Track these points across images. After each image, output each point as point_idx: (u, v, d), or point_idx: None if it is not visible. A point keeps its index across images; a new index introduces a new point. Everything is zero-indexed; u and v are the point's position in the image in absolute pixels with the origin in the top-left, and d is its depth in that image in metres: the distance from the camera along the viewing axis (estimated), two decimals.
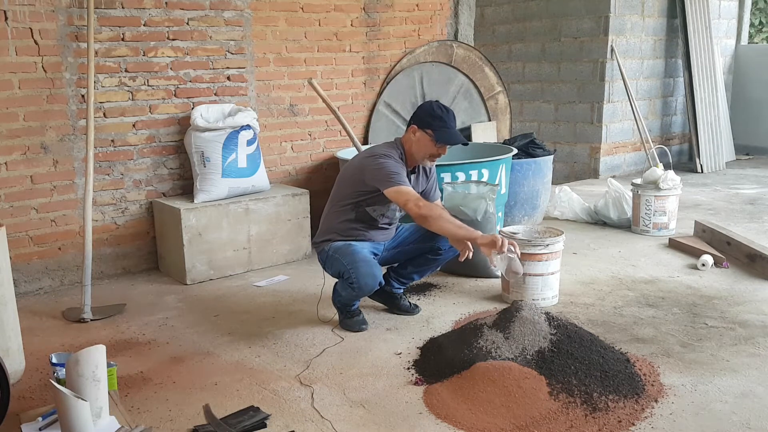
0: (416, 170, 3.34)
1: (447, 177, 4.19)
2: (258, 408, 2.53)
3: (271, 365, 2.93)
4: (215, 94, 4.58)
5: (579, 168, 7.18)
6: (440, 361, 2.81)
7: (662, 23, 7.34)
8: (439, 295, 3.78)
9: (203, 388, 2.74)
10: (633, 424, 2.36)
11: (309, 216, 4.55)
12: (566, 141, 7.22)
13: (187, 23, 4.38)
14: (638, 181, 4.88)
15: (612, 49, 6.73)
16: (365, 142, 5.38)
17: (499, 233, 3.66)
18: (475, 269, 3.93)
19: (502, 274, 3.59)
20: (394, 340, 3.16)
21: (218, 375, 2.85)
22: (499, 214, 4.41)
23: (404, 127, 4.67)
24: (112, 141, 4.21)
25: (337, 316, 3.38)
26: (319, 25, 5.04)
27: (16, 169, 3.89)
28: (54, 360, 2.55)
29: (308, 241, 4.52)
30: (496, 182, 4.34)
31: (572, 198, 5.37)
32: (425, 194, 3.37)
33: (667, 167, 5.14)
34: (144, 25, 4.22)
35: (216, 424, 2.38)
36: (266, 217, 4.37)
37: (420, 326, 3.32)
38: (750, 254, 4.06)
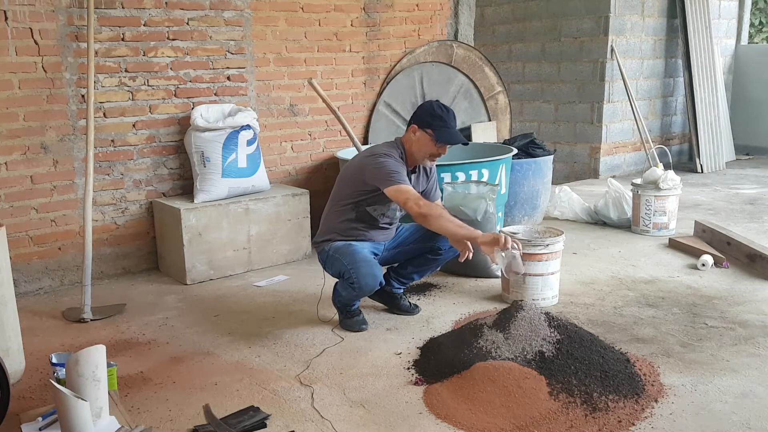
0: (416, 170, 3.34)
1: (447, 177, 4.19)
2: (258, 408, 2.53)
3: (271, 365, 2.93)
4: (215, 94, 4.58)
5: (579, 168, 7.18)
6: (440, 361, 2.81)
7: (662, 23, 7.35)
8: (439, 295, 3.78)
9: (203, 388, 2.74)
10: (633, 424, 2.36)
11: (309, 216, 4.55)
12: (566, 141, 7.22)
13: (187, 23, 4.38)
14: (638, 181, 4.88)
15: (612, 49, 6.73)
16: (365, 142, 5.38)
17: (500, 233, 3.66)
18: (475, 269, 3.93)
19: (502, 274, 3.59)
20: (394, 340, 3.16)
21: (218, 375, 2.85)
22: (499, 214, 4.41)
23: (404, 127, 4.67)
24: (112, 141, 4.21)
25: (337, 316, 3.38)
26: (319, 25, 5.05)
27: (16, 169, 3.89)
28: (54, 360, 2.55)
29: (308, 241, 4.52)
30: (496, 182, 4.34)
31: (572, 198, 5.37)
32: (426, 194, 3.37)
33: (667, 167, 5.14)
34: (144, 25, 4.22)
35: (216, 424, 2.38)
36: (266, 217, 4.37)
37: (420, 326, 3.32)
38: (750, 254, 4.06)
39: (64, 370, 2.34)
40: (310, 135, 5.14)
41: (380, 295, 3.48)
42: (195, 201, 4.21)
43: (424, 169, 3.39)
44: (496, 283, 3.84)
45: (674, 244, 4.56)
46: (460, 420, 2.41)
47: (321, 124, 5.17)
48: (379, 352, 3.03)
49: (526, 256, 3.35)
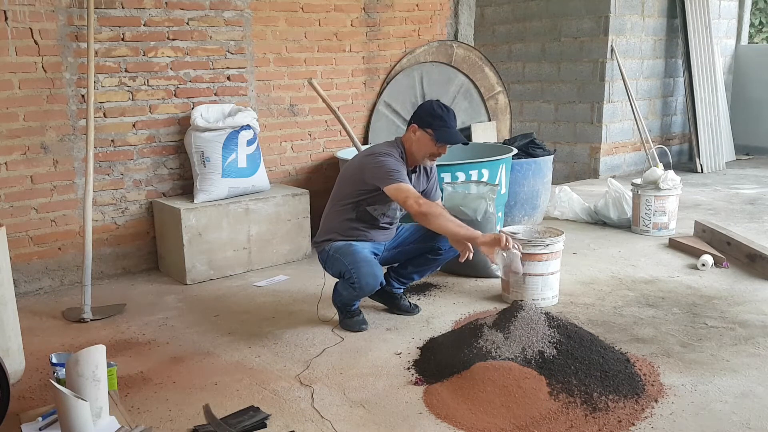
0: (417, 170, 3.34)
1: (447, 177, 4.19)
2: (258, 408, 2.53)
3: (271, 365, 2.93)
4: (215, 94, 4.58)
5: (579, 168, 7.18)
6: (440, 361, 2.81)
7: (662, 23, 7.35)
8: (439, 295, 3.78)
9: (203, 388, 2.74)
10: (633, 424, 2.36)
11: (309, 216, 4.55)
12: (566, 141, 7.22)
13: (187, 23, 4.38)
14: (638, 181, 4.88)
15: (612, 49, 6.73)
16: (365, 142, 5.38)
17: (500, 233, 3.66)
18: (475, 269, 3.93)
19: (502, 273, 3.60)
20: (394, 340, 3.16)
21: (218, 375, 2.85)
22: (499, 214, 4.41)
23: (404, 127, 4.67)
24: (112, 141, 4.21)
25: (337, 316, 3.38)
26: (319, 25, 5.05)
27: (16, 169, 3.89)
28: (54, 360, 2.55)
29: (308, 241, 4.52)
30: (496, 182, 4.34)
31: (572, 198, 5.37)
32: (426, 194, 3.37)
33: (667, 167, 5.14)
34: (144, 25, 4.22)
35: (216, 424, 2.38)
36: (266, 217, 4.37)
37: (420, 326, 3.32)
38: (750, 254, 4.06)
39: (64, 370, 2.34)
40: (310, 135, 5.15)
41: (380, 295, 3.48)
42: (195, 201, 4.21)
43: (425, 168, 3.39)
44: (496, 283, 3.84)
45: (674, 244, 4.56)
46: (460, 420, 2.41)
47: (321, 124, 5.17)
48: (379, 352, 3.03)
49: (526, 256, 3.35)
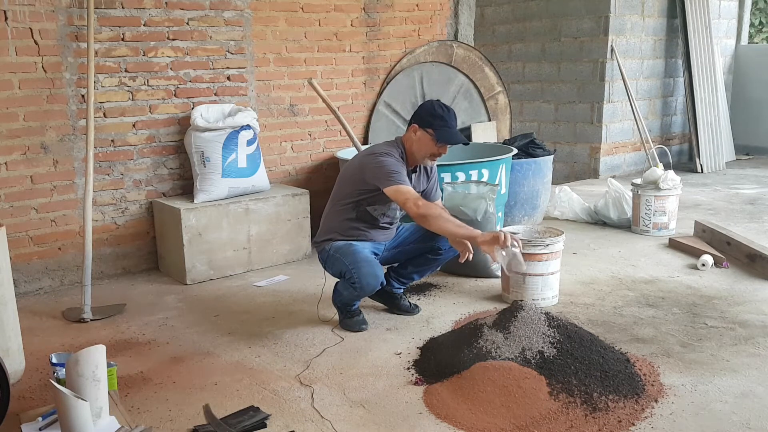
0: (417, 170, 3.34)
1: (447, 177, 4.19)
2: (258, 408, 2.53)
3: (271, 365, 2.93)
4: (215, 94, 4.58)
5: (579, 168, 7.18)
6: (440, 361, 2.81)
7: (662, 23, 7.35)
8: (439, 295, 3.78)
9: (203, 388, 2.74)
10: (633, 424, 2.36)
11: (309, 216, 4.55)
12: (566, 141, 7.22)
13: (187, 23, 4.38)
14: (638, 181, 4.88)
15: (612, 49, 6.73)
16: (365, 142, 5.38)
17: (500, 231, 3.66)
18: (475, 269, 3.93)
19: (502, 273, 3.59)
20: (394, 340, 3.16)
21: (218, 375, 2.85)
22: (499, 214, 4.41)
23: (404, 127, 4.67)
24: (112, 141, 4.21)
25: (337, 316, 3.38)
26: (319, 25, 5.05)
27: (16, 169, 3.89)
28: (54, 360, 2.55)
29: (308, 241, 4.52)
30: (496, 182, 4.34)
31: (572, 198, 5.37)
32: (426, 194, 3.37)
33: (667, 167, 5.14)
34: (144, 25, 4.22)
35: (216, 424, 2.38)
36: (266, 217, 4.37)
37: (420, 326, 3.32)
38: (750, 254, 4.06)
39: (64, 370, 2.34)
40: (310, 135, 5.15)
41: (380, 295, 3.48)
42: (195, 201, 4.21)
43: (425, 168, 3.39)
44: (496, 283, 3.84)
45: (674, 244, 4.56)
46: (460, 420, 2.41)
47: (321, 124, 5.17)
48: (379, 352, 3.03)
49: (526, 257, 3.35)
